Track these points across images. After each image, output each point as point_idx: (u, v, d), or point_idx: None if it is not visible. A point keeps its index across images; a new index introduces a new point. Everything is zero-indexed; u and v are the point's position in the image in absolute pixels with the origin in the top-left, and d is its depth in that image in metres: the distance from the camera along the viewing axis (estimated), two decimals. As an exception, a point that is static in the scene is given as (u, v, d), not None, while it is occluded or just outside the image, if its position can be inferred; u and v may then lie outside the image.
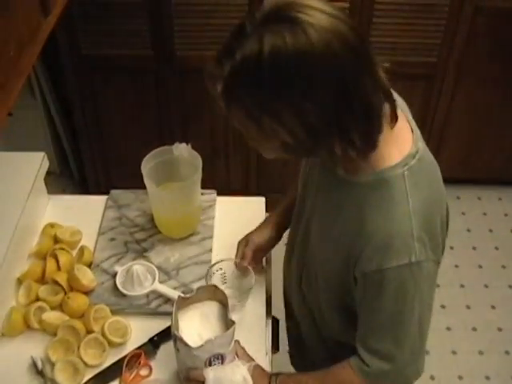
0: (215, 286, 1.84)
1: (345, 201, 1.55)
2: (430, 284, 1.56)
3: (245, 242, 2.04)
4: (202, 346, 1.67)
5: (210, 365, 1.71)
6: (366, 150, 1.40)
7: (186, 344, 1.69)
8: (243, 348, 1.82)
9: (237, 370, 1.74)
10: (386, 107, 1.42)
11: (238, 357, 1.78)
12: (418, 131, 1.57)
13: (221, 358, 1.72)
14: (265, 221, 2.11)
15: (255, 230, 2.08)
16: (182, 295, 1.81)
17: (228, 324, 1.74)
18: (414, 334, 1.56)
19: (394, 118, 1.47)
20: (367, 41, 1.38)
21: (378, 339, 1.60)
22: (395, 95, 1.54)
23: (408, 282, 1.47)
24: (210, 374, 1.71)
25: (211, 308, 1.84)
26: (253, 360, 1.80)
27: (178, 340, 1.72)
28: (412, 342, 1.58)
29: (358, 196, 1.50)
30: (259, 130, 1.36)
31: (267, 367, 1.91)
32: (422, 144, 1.54)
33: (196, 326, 1.79)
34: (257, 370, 1.77)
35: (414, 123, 1.59)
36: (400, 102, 1.60)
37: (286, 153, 1.45)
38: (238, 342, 1.80)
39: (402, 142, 1.50)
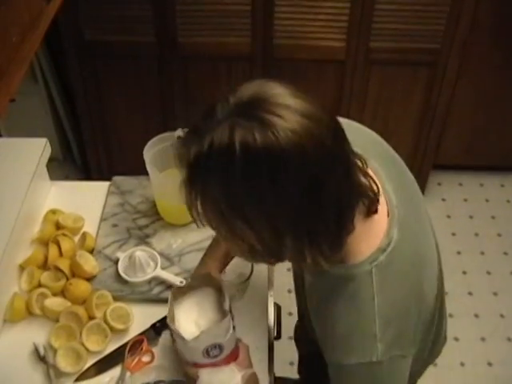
0: (210, 274, 1.84)
1: (321, 289, 1.48)
2: (398, 378, 1.44)
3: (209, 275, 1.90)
4: (196, 337, 1.67)
5: (209, 355, 1.70)
6: (334, 254, 1.30)
7: (181, 336, 1.68)
8: (247, 349, 1.80)
9: (231, 375, 1.72)
10: (362, 205, 1.34)
11: (237, 358, 1.76)
12: (395, 212, 1.42)
13: (219, 348, 1.70)
14: (205, 254, 1.97)
15: (200, 265, 1.96)
16: (179, 284, 1.81)
17: (224, 313, 1.74)
18: None
19: (372, 212, 1.37)
20: (345, 140, 1.27)
21: None
22: (363, 135, 1.52)
23: (368, 380, 1.41)
24: (204, 375, 1.71)
25: (208, 296, 1.83)
26: (251, 367, 1.77)
27: (173, 332, 1.72)
28: None
29: (329, 287, 1.43)
30: (227, 230, 1.27)
31: (265, 355, 1.92)
32: (396, 231, 1.40)
33: (193, 316, 1.79)
34: (251, 379, 1.73)
35: (392, 189, 1.46)
36: (371, 140, 1.57)
37: (254, 258, 1.35)
38: (242, 343, 1.80)
39: (373, 233, 1.39)
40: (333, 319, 1.41)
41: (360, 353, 1.37)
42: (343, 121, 1.34)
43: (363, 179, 1.34)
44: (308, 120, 1.17)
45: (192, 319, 1.78)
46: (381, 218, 1.40)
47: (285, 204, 1.17)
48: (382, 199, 1.41)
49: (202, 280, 1.84)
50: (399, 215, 1.42)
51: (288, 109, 1.17)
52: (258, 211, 1.18)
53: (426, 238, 1.56)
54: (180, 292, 1.81)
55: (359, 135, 1.47)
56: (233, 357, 1.76)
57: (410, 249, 1.44)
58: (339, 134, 1.25)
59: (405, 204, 1.46)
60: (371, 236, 1.39)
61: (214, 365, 1.72)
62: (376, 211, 1.37)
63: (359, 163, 1.33)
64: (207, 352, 1.70)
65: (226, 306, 1.73)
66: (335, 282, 1.41)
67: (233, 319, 1.75)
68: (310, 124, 1.17)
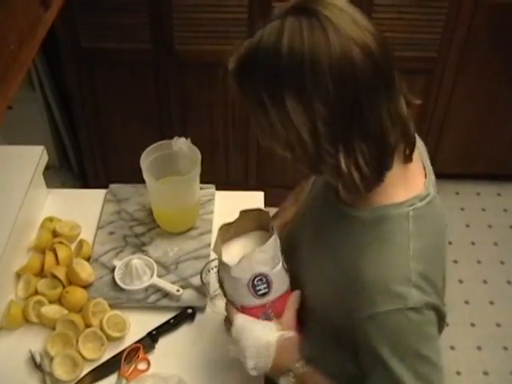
0: (259, 210, 1.77)
1: (343, 238, 1.46)
2: (432, 336, 1.38)
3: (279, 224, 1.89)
4: (239, 262, 1.58)
5: (255, 291, 1.59)
6: (371, 178, 1.31)
7: (225, 265, 1.60)
8: (294, 309, 1.63)
9: (267, 331, 1.60)
10: (401, 145, 1.36)
11: (278, 318, 1.63)
12: (432, 177, 1.49)
13: (266, 282, 1.60)
14: (282, 207, 2.00)
15: (284, 210, 1.97)
16: (176, 293, 1.80)
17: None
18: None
19: (409, 160, 1.40)
20: (395, 65, 1.30)
21: None
22: (417, 138, 1.49)
23: (404, 328, 1.34)
24: (239, 319, 1.62)
25: (255, 239, 1.74)
26: (292, 329, 1.61)
27: (219, 266, 1.67)
28: None
29: (356, 232, 1.42)
30: (268, 124, 1.30)
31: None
32: (433, 191, 1.44)
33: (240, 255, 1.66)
34: (287, 343, 1.59)
35: (430, 169, 1.51)
36: (419, 145, 1.53)
37: (292, 156, 1.35)
38: (292, 301, 1.64)
39: (411, 183, 1.41)
40: (361, 266, 1.37)
41: (395, 298, 1.32)
42: None
43: (409, 122, 1.36)
44: (360, 28, 1.23)
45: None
46: (418, 175, 1.45)
47: (323, 102, 1.21)
48: (419, 162, 1.48)
49: (248, 218, 1.76)
50: (434, 180, 1.48)
51: (342, 11, 1.23)
52: (298, 104, 1.22)
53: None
54: (227, 234, 1.73)
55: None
56: (282, 304, 1.63)
57: (442, 212, 1.48)
58: (390, 53, 1.29)
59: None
60: (409, 184, 1.41)
61: (263, 308, 1.62)
62: (411, 160, 1.40)
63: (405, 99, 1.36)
64: (253, 286, 1.59)
65: (273, 233, 1.64)
66: (366, 226, 1.40)
67: (284, 261, 1.65)
68: (362, 32, 1.22)
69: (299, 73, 1.20)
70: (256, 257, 1.59)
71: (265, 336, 1.59)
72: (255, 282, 1.60)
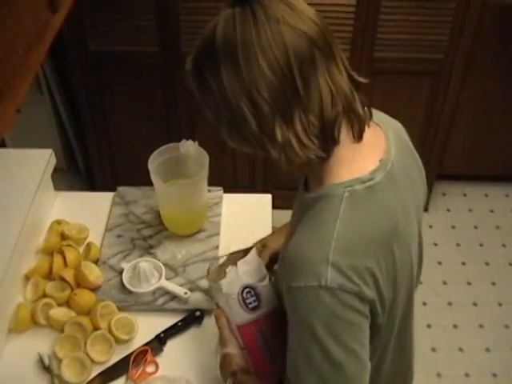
0: (246, 249, 1.86)
1: (296, 218, 1.49)
2: (349, 321, 1.33)
3: (261, 245, 1.94)
4: (226, 277, 1.68)
5: (245, 302, 1.66)
6: (315, 150, 1.33)
7: (216, 285, 1.70)
8: (226, 328, 1.72)
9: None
10: (348, 122, 1.38)
11: (273, 336, 1.69)
12: (389, 164, 1.42)
13: (255, 294, 1.66)
14: (281, 228, 2.01)
15: (271, 235, 1.99)
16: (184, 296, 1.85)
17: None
18: (314, 369, 1.35)
19: (358, 139, 1.39)
20: (334, 43, 1.36)
21: (290, 365, 1.42)
22: (386, 117, 1.54)
23: (313, 307, 1.32)
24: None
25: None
26: (229, 347, 1.70)
27: (214, 291, 1.75)
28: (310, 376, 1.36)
29: (302, 211, 1.44)
30: (214, 106, 1.39)
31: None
32: (383, 177, 1.40)
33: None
34: (223, 360, 1.70)
35: (392, 153, 1.45)
36: (394, 124, 1.57)
37: (241, 139, 1.42)
38: (224, 320, 1.73)
39: (357, 165, 1.39)
40: (293, 241, 1.39)
41: (309, 275, 1.30)
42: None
43: (351, 98, 1.37)
44: (296, 13, 1.31)
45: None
46: (371, 157, 1.42)
47: (259, 79, 1.28)
48: (380, 147, 1.45)
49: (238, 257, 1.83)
50: (392, 169, 1.42)
51: (278, 2, 1.31)
52: (236, 82, 1.30)
53: (406, 215, 1.48)
54: (219, 275, 1.79)
55: (382, 119, 1.54)
56: (274, 322, 1.68)
57: (389, 202, 1.41)
58: (331, 39, 1.35)
59: (402, 172, 1.47)
60: (354, 166, 1.39)
61: (257, 324, 1.68)
62: (360, 138, 1.40)
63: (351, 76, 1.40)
64: (243, 299, 1.65)
65: (254, 253, 1.77)
66: (308, 206, 1.42)
67: (270, 279, 1.72)
68: (298, 18, 1.30)
69: (232, 53, 1.29)
70: (240, 268, 1.69)
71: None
72: (244, 295, 1.66)
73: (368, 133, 1.42)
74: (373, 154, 1.43)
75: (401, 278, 1.45)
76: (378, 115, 1.50)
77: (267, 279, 1.70)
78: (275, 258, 1.86)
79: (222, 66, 1.31)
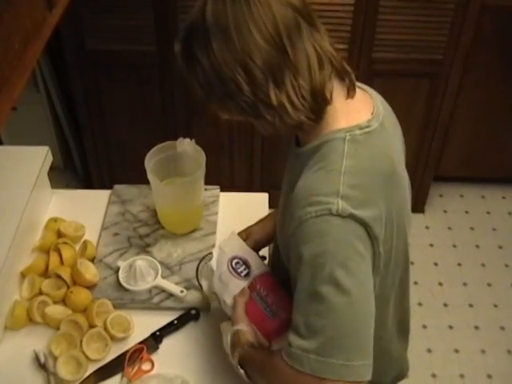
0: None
1: (296, 176, 1.50)
2: (357, 252, 1.36)
3: (244, 234, 1.98)
4: (214, 256, 1.83)
5: (237, 272, 1.77)
6: (307, 111, 1.42)
7: (207, 266, 1.84)
8: (241, 307, 1.72)
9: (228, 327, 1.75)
10: (338, 81, 1.48)
11: (273, 294, 1.73)
12: (380, 117, 1.52)
13: (243, 263, 1.79)
14: (267, 216, 2.08)
15: (256, 223, 2.04)
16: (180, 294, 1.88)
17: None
18: (322, 299, 1.35)
19: (350, 95, 1.49)
20: (314, 14, 1.45)
21: (298, 309, 1.41)
22: (370, 90, 1.60)
23: (323, 233, 1.35)
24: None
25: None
26: (240, 323, 1.70)
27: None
28: (337, 319, 1.35)
29: (302, 165, 1.49)
30: (204, 78, 1.43)
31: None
32: (377, 125, 1.49)
33: None
34: (235, 336, 1.69)
35: (381, 110, 1.54)
36: (374, 95, 1.61)
37: (235, 108, 1.46)
38: (239, 299, 1.74)
39: (353, 116, 1.48)
40: (300, 184, 1.45)
41: (321, 205, 1.35)
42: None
43: (338, 58, 1.47)
44: None
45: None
46: (363, 110, 1.51)
47: (250, 47, 1.36)
48: (369, 104, 1.54)
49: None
50: (383, 120, 1.52)
51: None
52: (228, 52, 1.37)
53: (400, 161, 1.61)
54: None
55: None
56: (269, 282, 1.75)
57: (386, 146, 1.52)
58: (311, 10, 1.44)
59: (389, 126, 1.57)
60: (350, 116, 1.48)
61: (253, 289, 1.75)
62: (353, 93, 1.50)
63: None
64: (234, 270, 1.77)
65: (234, 234, 1.90)
66: (309, 155, 1.48)
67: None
68: None
69: (224, 25, 1.36)
70: (223, 246, 1.83)
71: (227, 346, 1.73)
72: (234, 265, 1.77)
73: (357, 92, 1.51)
74: (365, 108, 1.52)
75: (398, 221, 1.52)
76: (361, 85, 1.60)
77: (253, 252, 1.82)
78: (259, 246, 1.96)
79: (212, 40, 1.37)
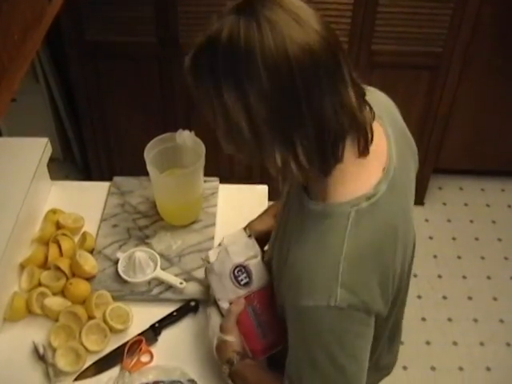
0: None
1: (297, 226, 1.48)
2: (356, 333, 1.39)
3: (247, 229, 1.97)
4: (217, 258, 1.78)
5: (237, 280, 1.75)
6: (313, 170, 1.34)
7: (208, 264, 1.80)
8: (233, 318, 1.75)
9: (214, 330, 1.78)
10: (353, 137, 1.35)
11: (264, 312, 1.76)
12: (392, 171, 1.43)
13: (245, 272, 1.75)
14: (266, 210, 2.07)
15: (256, 218, 2.03)
16: (179, 286, 1.96)
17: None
18: (318, 372, 1.42)
19: (364, 153, 1.38)
20: (342, 57, 1.30)
21: (292, 363, 1.50)
22: (379, 98, 1.55)
23: (321, 324, 1.36)
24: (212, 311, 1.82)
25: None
26: (230, 335, 1.74)
27: (207, 270, 1.84)
28: None
29: (304, 223, 1.43)
30: (211, 113, 1.35)
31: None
32: (385, 188, 1.40)
33: None
34: (222, 344, 1.74)
35: (394, 158, 1.45)
36: (387, 105, 1.58)
37: (237, 149, 1.40)
38: (235, 308, 1.76)
39: (362, 180, 1.40)
40: (297, 255, 1.41)
41: (319, 295, 1.34)
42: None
43: (358, 113, 1.33)
44: (302, 27, 1.24)
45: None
46: (374, 169, 1.42)
47: (259, 95, 1.24)
48: (383, 153, 1.44)
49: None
50: (394, 176, 1.42)
51: (284, 10, 1.25)
52: (235, 98, 1.26)
53: (405, 217, 1.52)
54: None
55: (377, 102, 1.49)
56: (265, 299, 1.75)
57: (391, 212, 1.43)
58: (335, 47, 1.28)
59: (401, 175, 1.47)
60: (359, 181, 1.39)
61: (249, 300, 1.75)
62: (367, 153, 1.38)
63: (358, 93, 1.35)
64: (235, 277, 1.75)
65: (248, 232, 1.85)
66: (311, 217, 1.42)
67: (262, 257, 1.80)
68: (301, 28, 1.24)
69: (234, 64, 1.25)
70: (230, 248, 1.78)
71: (212, 336, 1.79)
72: (236, 273, 1.75)
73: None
74: (376, 163, 1.42)
75: (402, 274, 1.51)
76: (372, 95, 1.46)
77: (259, 257, 1.78)
78: (261, 238, 1.91)
79: (223, 84, 1.27)
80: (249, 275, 1.75)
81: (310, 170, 1.33)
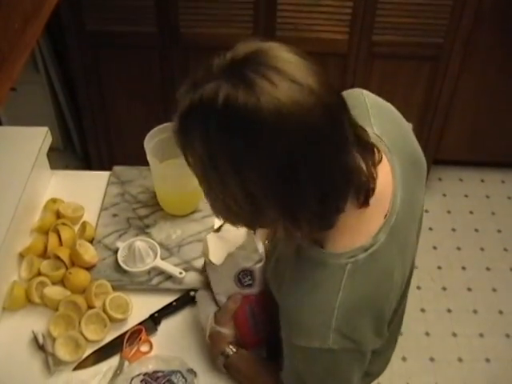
0: None
1: (291, 267, 1.46)
2: (349, 366, 1.43)
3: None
4: (224, 262, 1.76)
5: (241, 282, 1.75)
6: (314, 232, 1.32)
7: (211, 264, 1.78)
8: (228, 311, 1.78)
9: (207, 320, 1.80)
10: (354, 192, 1.31)
11: (261, 315, 1.79)
12: (393, 218, 1.38)
13: (250, 274, 1.75)
14: None
15: None
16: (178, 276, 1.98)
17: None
18: None
19: (364, 205, 1.33)
20: (342, 119, 1.22)
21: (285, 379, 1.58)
22: (387, 116, 1.52)
23: (314, 361, 1.40)
24: (201, 293, 1.89)
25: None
26: (224, 327, 1.78)
27: (207, 266, 1.82)
28: None
29: (299, 266, 1.41)
30: (205, 181, 1.28)
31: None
32: (384, 236, 1.36)
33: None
34: (216, 335, 1.78)
35: (398, 201, 1.40)
36: (410, 149, 1.52)
37: (232, 220, 1.35)
38: (232, 301, 1.78)
39: (361, 231, 1.36)
40: (292, 300, 1.40)
41: (311, 338, 1.35)
42: (371, 96, 1.49)
43: (363, 165, 1.30)
44: (298, 89, 1.14)
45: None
46: (375, 216, 1.37)
47: (258, 171, 1.16)
48: (386, 199, 1.38)
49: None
50: (395, 222, 1.38)
51: (280, 74, 1.15)
52: (232, 171, 1.18)
53: (404, 257, 1.48)
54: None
55: (387, 120, 1.49)
56: (262, 302, 1.77)
57: (389, 259, 1.39)
58: (336, 110, 1.21)
59: (405, 212, 1.42)
60: (357, 232, 1.36)
61: (248, 300, 1.77)
62: (367, 206, 1.33)
63: (362, 151, 1.31)
64: (239, 280, 1.75)
65: (253, 234, 1.79)
66: (308, 263, 1.39)
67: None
68: (300, 94, 1.14)
69: (231, 137, 1.16)
70: (238, 254, 1.75)
71: (204, 322, 1.82)
72: (240, 277, 1.75)
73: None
74: (378, 210, 1.38)
75: (400, 295, 1.52)
76: (383, 119, 1.46)
77: (263, 262, 1.77)
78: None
79: (219, 157, 1.18)
80: (253, 278, 1.75)
81: (312, 231, 1.31)
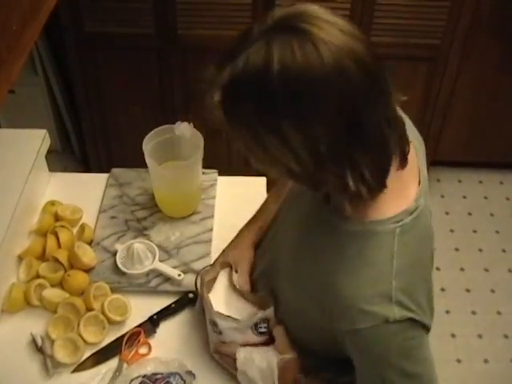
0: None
1: (327, 246, 1.41)
2: (415, 344, 1.40)
3: (224, 263, 1.91)
4: (245, 320, 1.72)
5: (257, 330, 1.72)
6: (376, 188, 1.26)
7: (232, 319, 1.73)
8: (285, 335, 1.69)
9: (267, 357, 1.68)
10: (397, 150, 1.29)
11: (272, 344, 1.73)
12: (425, 183, 1.42)
13: (266, 321, 1.71)
14: (243, 239, 1.95)
15: (239, 254, 1.91)
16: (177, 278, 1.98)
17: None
18: None
19: (403, 164, 1.33)
20: (383, 65, 1.23)
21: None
22: (413, 133, 1.50)
23: (383, 341, 1.35)
24: (241, 354, 1.72)
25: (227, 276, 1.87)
26: (289, 353, 1.67)
27: (218, 320, 1.74)
28: None
29: (341, 243, 1.37)
30: (263, 151, 1.21)
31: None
32: (423, 200, 1.39)
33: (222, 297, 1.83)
34: (288, 364, 1.66)
35: (424, 171, 1.45)
36: (417, 145, 1.50)
37: (293, 180, 1.34)
38: (281, 328, 1.70)
39: (403, 195, 1.37)
40: (339, 280, 1.35)
41: (375, 315, 1.31)
42: None
43: (401, 120, 1.32)
44: (349, 36, 1.15)
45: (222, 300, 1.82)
46: (412, 183, 1.40)
47: (323, 123, 1.14)
48: (415, 167, 1.42)
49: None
50: (425, 189, 1.41)
51: (328, 23, 1.14)
52: (296, 130, 1.14)
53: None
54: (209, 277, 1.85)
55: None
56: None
57: (427, 221, 1.43)
58: (379, 58, 1.22)
59: (426, 182, 1.45)
60: (400, 196, 1.35)
61: (264, 343, 1.74)
62: (405, 164, 1.33)
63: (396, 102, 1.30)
64: (256, 328, 1.72)
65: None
66: (352, 239, 1.36)
67: None
68: (352, 41, 1.15)
69: (295, 98, 1.12)
70: (259, 314, 1.71)
71: (265, 363, 1.67)
72: (258, 325, 1.72)
73: None
74: (412, 176, 1.41)
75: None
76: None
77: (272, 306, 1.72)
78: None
79: (281, 119, 1.14)
80: (268, 324, 1.71)
81: (372, 187, 1.25)
